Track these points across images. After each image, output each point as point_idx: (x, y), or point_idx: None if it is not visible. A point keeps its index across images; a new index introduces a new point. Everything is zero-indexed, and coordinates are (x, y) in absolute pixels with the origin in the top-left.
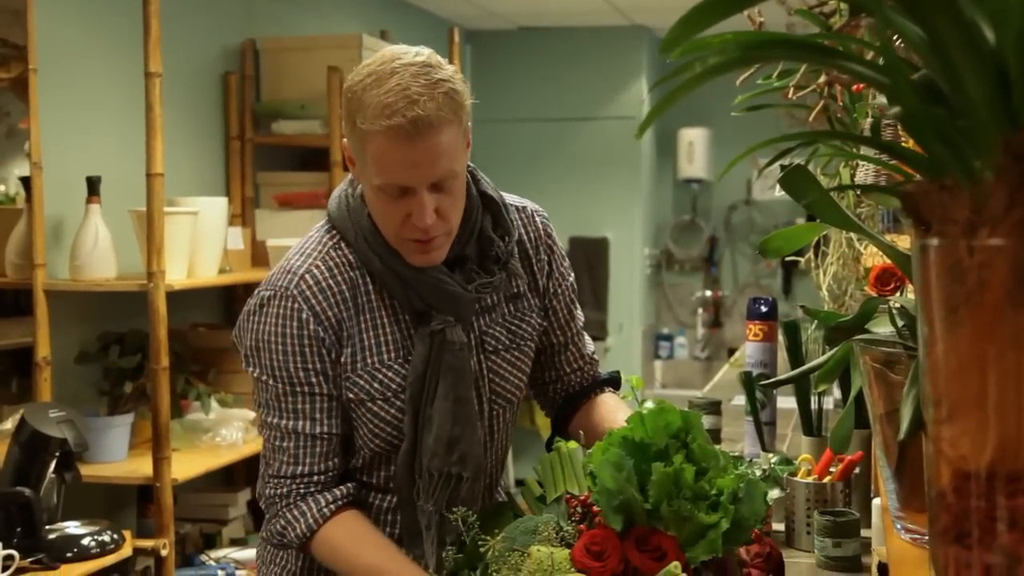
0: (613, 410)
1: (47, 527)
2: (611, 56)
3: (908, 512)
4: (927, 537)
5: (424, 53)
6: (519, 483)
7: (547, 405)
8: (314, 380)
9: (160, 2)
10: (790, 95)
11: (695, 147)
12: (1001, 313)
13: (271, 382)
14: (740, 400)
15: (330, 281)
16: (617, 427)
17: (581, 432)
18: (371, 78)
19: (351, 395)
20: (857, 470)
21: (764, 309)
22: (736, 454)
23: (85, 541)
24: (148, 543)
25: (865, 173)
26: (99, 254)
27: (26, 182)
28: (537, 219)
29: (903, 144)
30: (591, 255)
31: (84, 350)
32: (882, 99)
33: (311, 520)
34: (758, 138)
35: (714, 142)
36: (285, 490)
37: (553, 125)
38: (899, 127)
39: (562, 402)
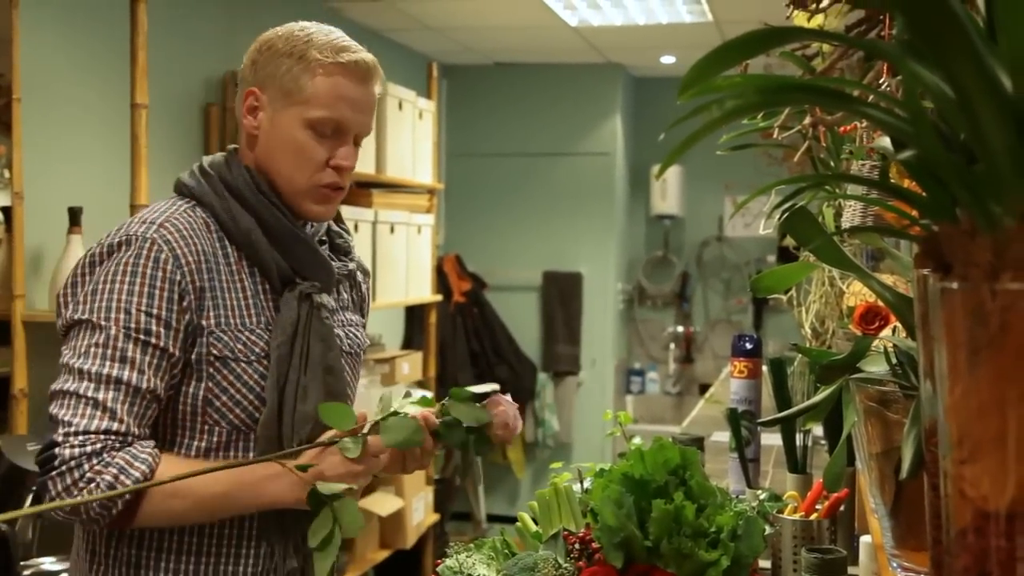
0: None
1: (22, 563)
2: (586, 92)
3: (904, 550)
4: (924, 575)
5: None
6: (491, 518)
7: None
8: (153, 328)
9: (146, 34)
10: (775, 135)
11: (668, 183)
12: (1023, 355)
13: (103, 323)
14: (719, 436)
15: (189, 233)
16: None
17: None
18: (307, 30)
19: (215, 351)
20: (842, 507)
21: (749, 346)
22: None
23: None
24: None
25: (852, 213)
26: None
27: (6, 212)
28: (360, 260)
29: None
30: (564, 290)
31: None
32: (883, 142)
33: (149, 460)
34: (732, 176)
35: (687, 179)
36: (99, 446)
37: (528, 160)
38: (892, 170)
39: None
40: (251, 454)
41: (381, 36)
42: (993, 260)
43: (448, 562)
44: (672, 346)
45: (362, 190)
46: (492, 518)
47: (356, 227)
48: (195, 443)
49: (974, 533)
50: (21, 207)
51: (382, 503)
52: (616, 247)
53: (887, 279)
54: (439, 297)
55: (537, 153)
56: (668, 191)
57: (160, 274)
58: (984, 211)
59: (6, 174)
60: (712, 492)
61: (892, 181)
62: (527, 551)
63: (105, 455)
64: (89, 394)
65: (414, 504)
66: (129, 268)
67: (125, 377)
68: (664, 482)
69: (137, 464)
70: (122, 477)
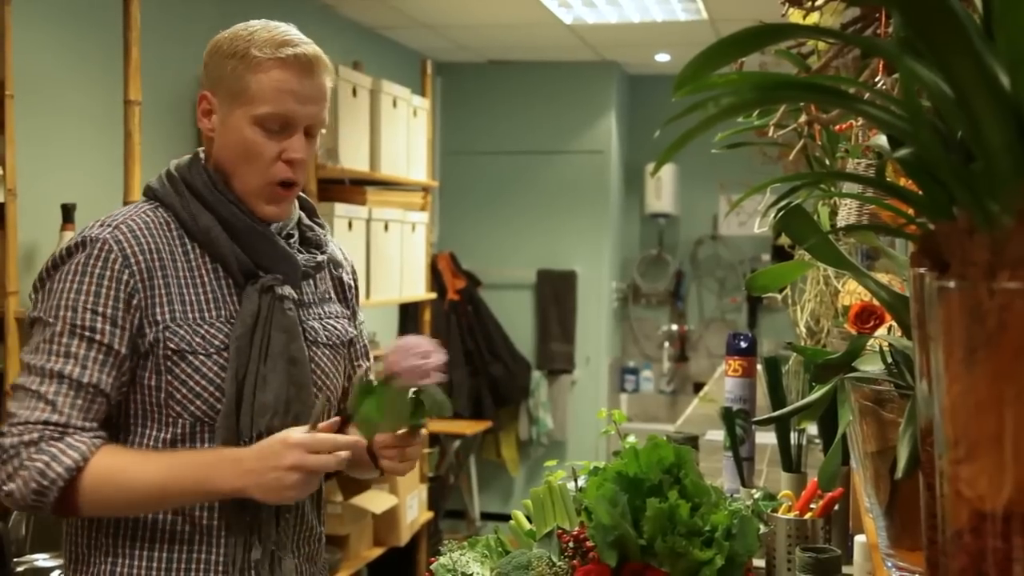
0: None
1: (15, 559)
2: (580, 90)
3: (899, 550)
4: (919, 574)
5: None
6: (485, 515)
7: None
8: (98, 326)
9: (139, 30)
10: (771, 134)
11: (663, 182)
12: (1020, 354)
13: (51, 320)
14: (713, 435)
15: (146, 233)
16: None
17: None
18: (251, 29)
19: (171, 346)
20: (836, 507)
21: (743, 345)
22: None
23: (55, 574)
24: None
25: (848, 211)
26: None
27: None
28: (338, 244)
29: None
30: (559, 288)
31: None
32: (879, 140)
33: (83, 448)
34: (727, 174)
35: (682, 177)
36: (36, 435)
37: (522, 158)
38: (889, 169)
39: None
40: (213, 445)
41: (375, 33)
42: (991, 259)
43: (442, 560)
44: (666, 345)
45: (356, 188)
46: (486, 516)
47: (350, 225)
48: (159, 434)
49: (970, 533)
50: (14, 204)
51: (376, 500)
52: (610, 245)
53: (882, 278)
54: (433, 295)
55: (531, 151)
56: (663, 189)
57: (108, 273)
58: (982, 209)
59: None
60: (706, 491)
61: (888, 179)
62: (521, 549)
63: (42, 444)
64: (33, 387)
65: (408, 502)
66: (79, 268)
67: (67, 371)
68: (658, 481)
69: (69, 452)
70: (53, 464)
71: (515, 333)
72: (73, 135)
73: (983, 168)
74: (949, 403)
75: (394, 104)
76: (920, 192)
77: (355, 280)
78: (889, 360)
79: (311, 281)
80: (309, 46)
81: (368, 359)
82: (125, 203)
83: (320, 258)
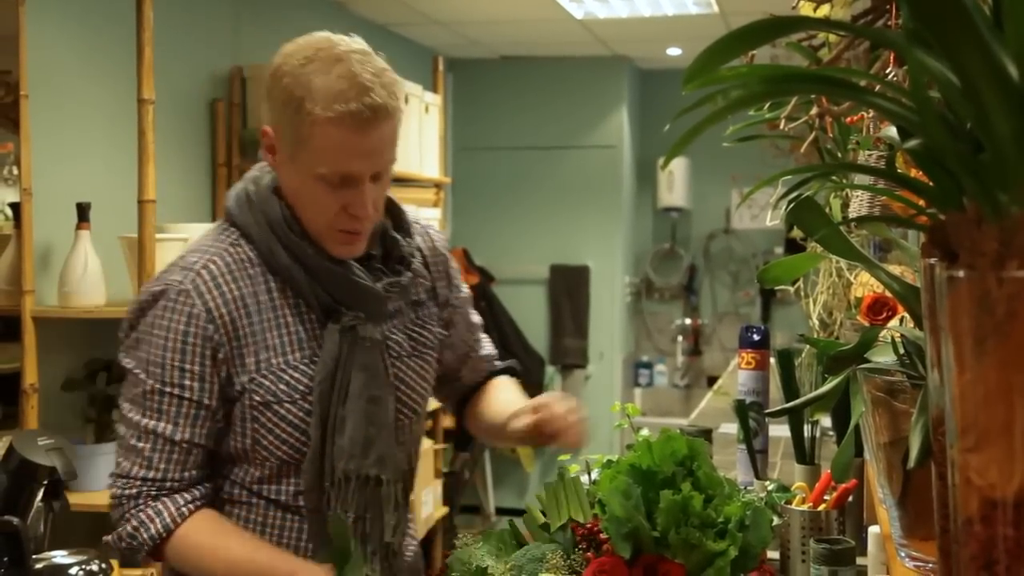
0: (501, 388)
1: (34, 557)
2: (592, 86)
3: (912, 540)
4: (932, 565)
5: (358, 39)
6: (500, 511)
7: (454, 407)
8: (187, 383)
9: (152, 30)
10: (782, 127)
11: (675, 176)
12: None
13: (142, 376)
14: (727, 428)
15: (227, 277)
16: (498, 400)
17: (482, 421)
18: (314, 64)
19: (257, 398)
20: (850, 498)
21: (756, 337)
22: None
23: (73, 571)
24: (135, 572)
25: (860, 203)
26: (88, 280)
27: (15, 208)
28: (430, 232)
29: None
30: (572, 283)
31: (71, 377)
32: (889, 132)
33: (168, 519)
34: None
35: (694, 171)
36: (135, 491)
37: (534, 153)
38: (899, 160)
39: (460, 397)
40: (300, 484)
41: (387, 30)
42: (1000, 248)
43: (457, 554)
44: (680, 339)
45: None
46: (501, 511)
47: None
48: (251, 471)
49: (981, 522)
50: (30, 203)
51: None
52: (623, 240)
53: (895, 269)
54: None
55: (543, 147)
56: (675, 184)
57: (191, 330)
58: (991, 199)
59: (15, 171)
60: (720, 483)
61: (899, 171)
62: (535, 542)
63: (140, 500)
64: (132, 442)
65: (423, 497)
66: (164, 324)
67: (160, 430)
68: (672, 473)
69: (156, 522)
70: (141, 530)
71: (528, 329)
72: (87, 134)
73: (992, 158)
74: (959, 392)
75: (406, 100)
76: (930, 183)
77: (442, 256)
78: (901, 351)
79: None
80: (372, 93)
81: (475, 330)
82: (139, 202)
83: (405, 279)
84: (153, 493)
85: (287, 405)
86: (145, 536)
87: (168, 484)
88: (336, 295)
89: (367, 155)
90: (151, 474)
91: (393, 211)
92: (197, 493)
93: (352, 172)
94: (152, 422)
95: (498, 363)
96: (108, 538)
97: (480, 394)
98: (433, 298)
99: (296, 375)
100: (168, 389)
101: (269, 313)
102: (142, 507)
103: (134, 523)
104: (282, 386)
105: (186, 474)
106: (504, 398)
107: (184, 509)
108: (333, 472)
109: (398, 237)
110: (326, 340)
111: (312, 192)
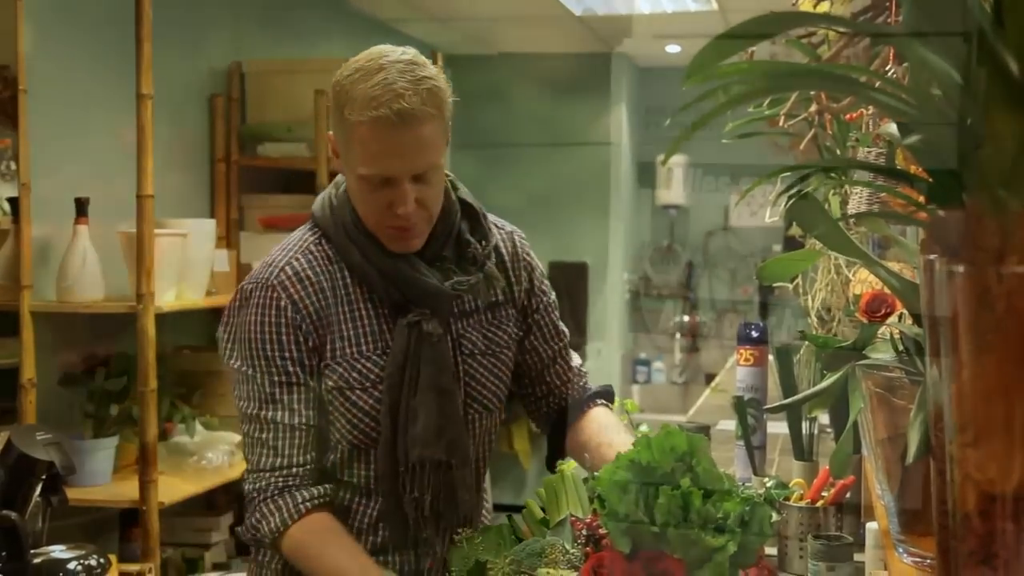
0: (606, 426)
1: (32, 551)
2: (591, 82)
3: (911, 536)
4: (930, 560)
5: (410, 52)
6: (498, 507)
7: (540, 421)
8: (291, 369)
9: (151, 24)
10: (781, 123)
11: (673, 173)
12: None
13: (250, 371)
14: (725, 425)
15: (308, 272)
16: (610, 445)
17: (586, 455)
18: (359, 73)
19: (331, 383)
20: (848, 494)
21: (755, 334)
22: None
23: (71, 566)
24: (133, 567)
25: (859, 200)
26: (87, 275)
27: (13, 203)
28: (515, 237)
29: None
30: (570, 280)
31: (69, 372)
32: (889, 129)
33: (285, 515)
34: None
35: (692, 169)
36: (264, 484)
37: (533, 150)
38: (899, 157)
39: (556, 417)
40: (372, 471)
41: (385, 26)
42: (999, 244)
43: (456, 549)
44: (678, 336)
45: None
46: (499, 507)
47: None
48: (328, 457)
49: (979, 516)
50: (28, 198)
51: None
52: (621, 237)
53: (893, 266)
54: None
55: (542, 143)
56: (673, 181)
57: (283, 320)
58: (990, 195)
59: (13, 165)
60: (719, 479)
61: (899, 167)
62: (535, 537)
63: (268, 492)
64: (255, 435)
65: None
66: (258, 319)
67: (278, 418)
68: (671, 468)
69: (276, 516)
70: (263, 523)
71: None
72: (86, 129)
73: (992, 154)
74: (958, 388)
75: None
76: (929, 179)
77: (524, 260)
78: (900, 347)
79: (472, 295)
80: (403, 100)
81: (560, 337)
82: (138, 197)
83: (474, 279)
84: (279, 484)
85: (358, 391)
86: (265, 529)
87: (294, 470)
88: (404, 291)
89: (398, 157)
90: (278, 461)
91: (470, 214)
92: (316, 492)
93: (388, 172)
94: (269, 412)
95: (591, 386)
96: (239, 528)
97: (583, 427)
98: (511, 300)
99: (368, 365)
100: (277, 378)
101: (345, 306)
102: (268, 500)
103: (258, 515)
104: (354, 374)
105: (307, 456)
106: (621, 440)
107: (301, 507)
108: (407, 458)
109: (471, 239)
110: (396, 333)
111: (360, 192)
